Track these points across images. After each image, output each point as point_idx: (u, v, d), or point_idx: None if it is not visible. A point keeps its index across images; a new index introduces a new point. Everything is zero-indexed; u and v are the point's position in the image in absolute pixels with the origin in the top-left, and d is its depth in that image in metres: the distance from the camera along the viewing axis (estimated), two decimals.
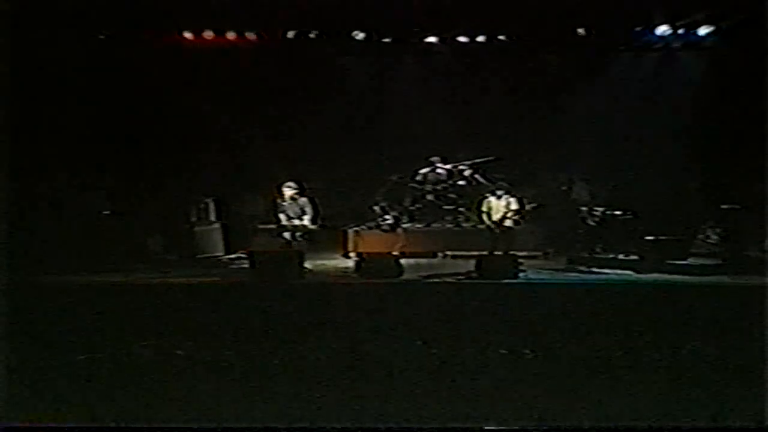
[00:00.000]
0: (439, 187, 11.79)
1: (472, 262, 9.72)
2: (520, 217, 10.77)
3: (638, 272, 9.85)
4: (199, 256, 11.00)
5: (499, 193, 10.85)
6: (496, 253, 10.14)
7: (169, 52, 12.20)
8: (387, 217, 11.35)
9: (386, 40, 12.27)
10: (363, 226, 11.51)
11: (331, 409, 4.77)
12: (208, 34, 12.03)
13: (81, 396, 4.96)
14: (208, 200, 11.44)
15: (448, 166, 11.91)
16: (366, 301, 8.28)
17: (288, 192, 10.79)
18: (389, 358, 5.83)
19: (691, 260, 10.14)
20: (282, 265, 9.46)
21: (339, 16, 11.71)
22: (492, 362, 5.71)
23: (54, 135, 11.36)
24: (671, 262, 9.90)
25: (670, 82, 12.40)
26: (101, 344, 6.17)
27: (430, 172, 11.96)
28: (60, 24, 10.96)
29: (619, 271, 10.00)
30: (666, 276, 9.58)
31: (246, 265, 10.00)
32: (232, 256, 11.28)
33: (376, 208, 11.49)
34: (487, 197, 10.94)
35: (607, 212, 10.81)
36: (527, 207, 10.87)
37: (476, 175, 11.72)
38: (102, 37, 11.88)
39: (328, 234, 11.07)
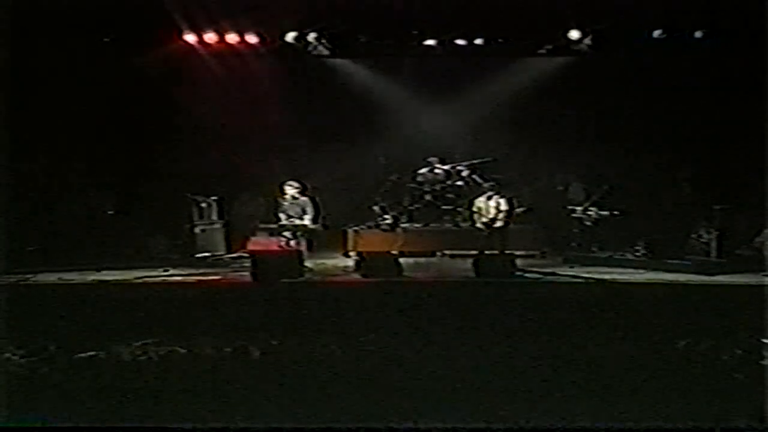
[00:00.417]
0: (437, 188, 11.76)
1: (470, 261, 9.69)
2: (511, 218, 10.85)
3: (633, 271, 9.82)
4: (200, 255, 10.96)
5: (489, 194, 10.95)
6: (488, 252, 10.09)
7: (172, 54, 12.16)
8: (386, 216, 11.32)
9: (386, 42, 12.24)
10: (363, 226, 11.47)
11: (330, 407, 4.71)
12: (210, 37, 12.00)
13: (82, 395, 4.90)
14: (210, 200, 11.40)
15: (446, 167, 11.88)
16: (365, 299, 8.24)
17: (290, 191, 10.80)
18: (388, 357, 5.77)
19: (684, 259, 10.11)
20: (282, 264, 9.42)
21: (339, 19, 11.70)
22: (490, 361, 5.65)
23: (59, 136, 11.33)
24: (665, 260, 9.88)
25: (664, 85, 12.36)
26: (104, 342, 6.11)
27: (428, 172, 11.94)
28: (66, 28, 10.94)
29: (614, 270, 9.97)
30: (660, 274, 9.55)
31: (247, 264, 9.95)
32: (234, 255, 11.24)
33: (375, 208, 11.45)
34: (476, 198, 11.07)
35: (603, 212, 10.83)
36: (518, 210, 10.91)
37: (474, 176, 11.69)
38: (106, 40, 11.86)
39: (329, 233, 11.05)
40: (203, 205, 11.31)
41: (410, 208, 11.79)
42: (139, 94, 12.01)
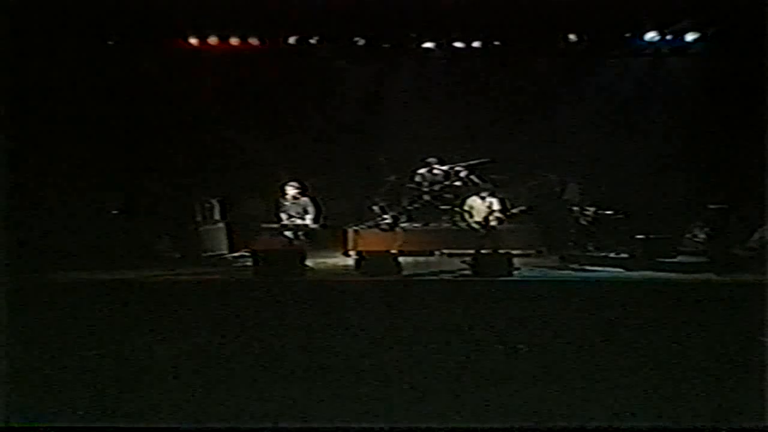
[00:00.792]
0: (435, 188, 11.73)
1: (468, 259, 9.68)
2: (505, 217, 10.92)
3: (629, 270, 9.80)
4: (204, 254, 10.96)
5: (483, 194, 11.00)
6: (484, 251, 10.06)
7: (175, 57, 12.17)
8: (386, 216, 11.31)
9: (385, 45, 12.23)
10: (362, 226, 11.46)
11: (330, 406, 4.69)
12: (213, 40, 12.01)
13: (87, 394, 4.88)
14: (213, 201, 11.40)
15: (444, 168, 11.86)
16: (365, 297, 8.23)
17: (291, 192, 10.82)
18: (388, 355, 5.76)
19: (679, 258, 10.10)
20: (284, 263, 9.41)
21: (339, 22, 11.70)
22: (489, 359, 5.63)
23: (66, 138, 11.33)
24: (660, 259, 9.87)
25: (658, 87, 12.35)
26: (109, 341, 6.10)
27: (427, 172, 11.92)
28: (73, 31, 10.95)
29: (610, 269, 9.95)
30: (655, 273, 9.53)
31: (249, 263, 9.94)
32: (236, 254, 11.23)
33: (375, 207, 11.45)
34: (469, 198, 11.12)
35: (599, 212, 10.82)
36: (516, 210, 10.95)
37: (472, 176, 11.68)
38: (111, 43, 11.87)
39: (329, 233, 11.04)
40: (207, 205, 11.32)
41: (409, 208, 11.76)
42: (144, 97, 12.00)
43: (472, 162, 11.74)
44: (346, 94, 12.78)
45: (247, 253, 10.61)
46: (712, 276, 9.26)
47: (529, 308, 7.44)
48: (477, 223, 10.95)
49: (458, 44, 12.20)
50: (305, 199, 10.85)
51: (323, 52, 12.25)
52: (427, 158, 11.93)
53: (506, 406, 4.63)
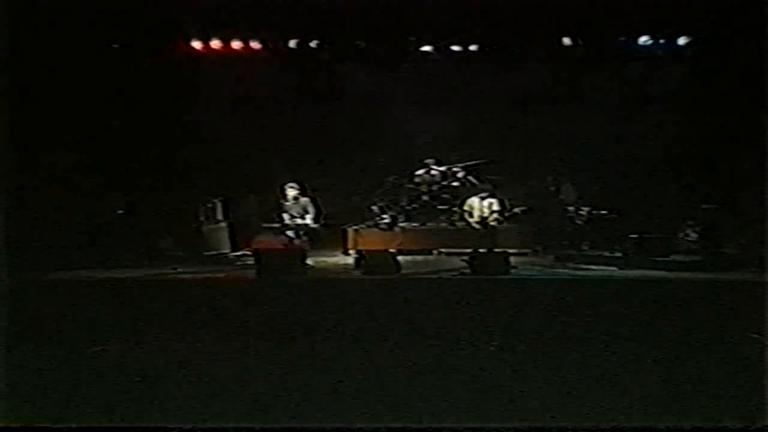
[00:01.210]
0: (433, 188, 11.73)
1: (466, 258, 9.67)
2: (504, 217, 11.03)
3: (623, 268, 9.79)
4: (207, 253, 10.94)
5: (482, 194, 11.06)
6: (482, 250, 10.06)
7: (179, 60, 12.15)
8: (385, 216, 11.30)
9: (384, 48, 12.23)
10: (362, 225, 11.44)
11: (329, 404, 4.65)
12: (216, 44, 12.01)
13: (91, 392, 4.84)
14: (216, 201, 11.39)
15: (442, 168, 11.85)
16: (365, 295, 8.21)
17: (291, 192, 10.83)
18: (387, 352, 5.75)
19: (672, 257, 10.09)
20: (285, 262, 9.39)
21: (340, 26, 11.70)
22: (487, 357, 5.62)
23: (73, 140, 11.32)
24: (654, 258, 9.86)
25: (651, 90, 12.35)
26: (112, 339, 6.07)
27: (425, 173, 11.91)
28: (80, 34, 10.95)
29: (604, 267, 9.94)
30: (649, 272, 9.52)
31: (251, 262, 9.93)
32: (238, 253, 11.22)
33: (374, 207, 11.44)
34: (469, 198, 11.17)
35: (593, 212, 10.84)
36: (517, 210, 11.00)
37: (469, 177, 11.68)
38: (116, 46, 11.86)
39: (329, 232, 11.03)
40: (209, 205, 11.30)
41: (408, 207, 11.75)
42: (149, 99, 11.98)
43: (469, 163, 11.75)
44: (345, 96, 12.76)
45: (249, 252, 10.59)
46: (704, 274, 9.25)
47: (525, 306, 7.43)
48: (477, 222, 10.99)
49: (456, 48, 12.19)
50: (305, 199, 10.86)
51: (323, 56, 12.23)
52: (425, 159, 11.93)
53: (503, 404, 4.60)
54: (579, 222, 10.95)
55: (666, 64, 12.29)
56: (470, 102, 12.63)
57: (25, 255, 8.95)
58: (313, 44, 12.01)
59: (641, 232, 10.16)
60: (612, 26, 11.66)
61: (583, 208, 10.96)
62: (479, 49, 12.16)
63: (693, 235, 10.47)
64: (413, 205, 11.75)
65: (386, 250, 10.17)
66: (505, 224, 11.17)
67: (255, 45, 12.06)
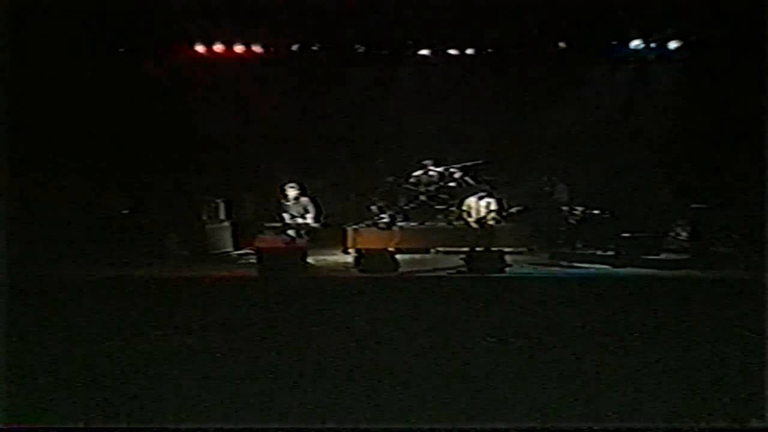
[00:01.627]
0: (431, 188, 11.74)
1: (461, 257, 9.70)
2: (501, 217, 11.10)
3: (615, 266, 9.83)
4: (210, 252, 10.96)
5: (481, 194, 11.09)
6: (478, 249, 10.08)
7: (183, 63, 12.17)
8: (383, 215, 11.31)
9: (383, 52, 12.25)
10: (361, 225, 11.46)
11: (329, 402, 4.62)
12: (219, 48, 12.03)
13: (89, 393, 4.79)
14: (219, 201, 11.41)
15: (439, 169, 11.86)
16: (364, 292, 8.24)
17: (292, 192, 10.85)
18: (385, 349, 5.75)
19: (663, 255, 10.13)
20: (286, 260, 9.42)
21: (340, 30, 11.72)
22: (485, 356, 5.61)
23: (81, 142, 11.33)
24: (645, 257, 9.90)
25: (643, 92, 12.38)
26: (115, 337, 6.06)
27: (423, 174, 11.93)
28: (88, 38, 11.02)
29: (597, 266, 9.97)
30: (640, 270, 9.56)
31: (253, 260, 9.95)
32: (241, 252, 11.24)
33: (373, 207, 11.44)
34: (467, 198, 11.22)
35: (587, 211, 10.87)
36: (513, 209, 11.04)
37: (466, 177, 11.70)
38: (122, 50, 11.88)
39: (329, 231, 11.06)
40: (212, 205, 11.32)
41: (406, 207, 11.76)
42: (153, 102, 12.00)
43: (466, 163, 11.77)
44: (345, 99, 12.78)
45: (251, 251, 10.61)
46: (694, 272, 9.29)
47: (520, 303, 7.45)
48: (474, 221, 11.04)
49: (453, 51, 12.21)
50: (306, 199, 10.89)
51: (324, 59, 12.25)
52: (423, 160, 11.94)
53: (501, 402, 4.57)
54: (573, 221, 10.99)
55: (657, 68, 12.33)
56: (467, 104, 12.65)
57: (31, 253, 9.00)
58: (314, 48, 12.00)
59: (633, 231, 10.19)
60: (605, 30, 11.69)
61: (576, 208, 10.99)
62: (476, 52, 12.18)
63: (683, 234, 10.51)
64: (411, 205, 11.77)
65: (385, 249, 10.20)
66: (502, 223, 11.19)
67: (257, 49, 12.07)
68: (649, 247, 10.11)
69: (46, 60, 10.50)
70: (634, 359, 5.45)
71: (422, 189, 11.75)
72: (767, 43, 8.09)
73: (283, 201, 10.90)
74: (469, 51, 12.18)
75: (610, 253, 10.15)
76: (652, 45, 11.93)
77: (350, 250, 11.01)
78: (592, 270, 9.77)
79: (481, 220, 11.12)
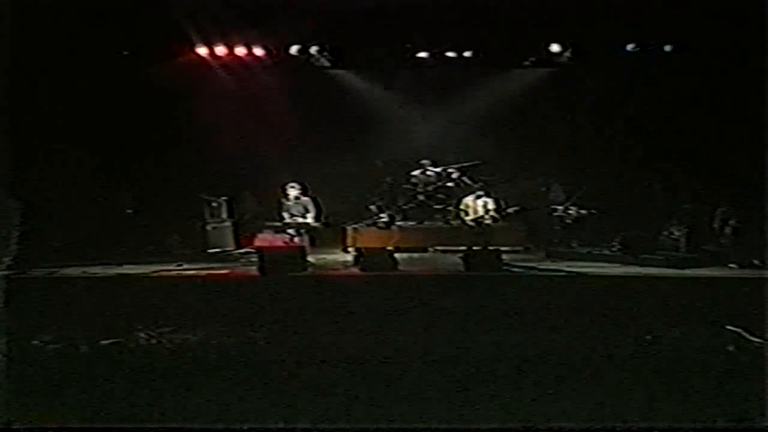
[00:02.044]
0: (429, 188, 11.74)
1: (459, 256, 9.67)
2: (500, 215, 11.10)
3: (610, 264, 9.81)
4: (212, 250, 10.93)
5: (478, 194, 11.10)
6: (476, 248, 10.05)
7: (186, 65, 12.14)
8: (382, 215, 11.29)
9: (382, 54, 12.23)
10: (361, 224, 11.43)
11: (328, 401, 4.57)
12: (221, 50, 12.01)
13: (89, 392, 4.74)
14: (220, 200, 11.38)
15: (437, 169, 11.85)
16: (363, 291, 8.22)
17: (292, 192, 10.83)
18: (385, 347, 5.72)
19: (657, 254, 10.10)
20: (287, 259, 9.38)
21: (339, 33, 11.70)
22: (484, 354, 5.56)
23: (88, 143, 11.32)
24: (639, 255, 9.87)
25: (637, 94, 12.35)
26: (118, 334, 6.02)
27: (421, 174, 11.91)
28: (94, 44, 11.02)
29: (592, 264, 9.94)
30: (634, 268, 9.53)
31: (254, 259, 9.92)
32: (242, 250, 11.21)
33: (372, 207, 11.44)
34: (465, 197, 11.22)
35: (581, 211, 10.85)
36: (510, 209, 11.03)
37: (463, 178, 11.68)
38: (126, 53, 11.87)
39: (329, 231, 11.04)
40: (214, 204, 11.29)
41: (404, 207, 11.75)
42: (157, 103, 11.97)
43: (463, 164, 11.75)
44: (345, 101, 12.75)
45: (252, 250, 10.58)
46: (687, 271, 9.26)
47: (516, 301, 7.42)
48: (472, 221, 11.04)
49: (450, 54, 12.19)
50: (306, 199, 10.86)
51: (324, 62, 12.21)
52: (421, 161, 11.93)
53: (498, 401, 4.52)
54: (568, 221, 10.96)
55: (651, 70, 12.29)
56: (464, 106, 12.63)
57: (36, 252, 8.97)
58: (313, 50, 11.97)
59: (627, 230, 10.17)
60: (600, 33, 11.67)
61: (571, 207, 10.96)
62: (473, 55, 12.15)
63: (677, 233, 10.48)
64: (410, 205, 11.76)
65: (384, 248, 10.17)
66: (499, 223, 11.16)
67: (258, 51, 12.04)
68: (643, 245, 10.08)
69: (51, 61, 10.50)
70: (631, 357, 5.41)
71: (420, 189, 11.74)
72: (765, 42, 8.03)
73: (283, 200, 10.88)
74: (467, 54, 12.15)
75: (605, 252, 10.12)
76: (648, 47, 11.91)
77: (350, 249, 10.99)
78: (587, 268, 9.73)
79: (478, 220, 11.15)
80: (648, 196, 11.84)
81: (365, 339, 5.93)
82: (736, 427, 4.18)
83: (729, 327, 5.92)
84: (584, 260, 10.10)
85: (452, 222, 11.41)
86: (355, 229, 11.32)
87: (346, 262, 10.21)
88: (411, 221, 11.64)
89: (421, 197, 11.68)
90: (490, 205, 11.25)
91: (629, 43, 11.77)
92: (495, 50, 12.03)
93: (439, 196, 11.69)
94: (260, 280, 9.01)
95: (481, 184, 11.49)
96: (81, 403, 4.50)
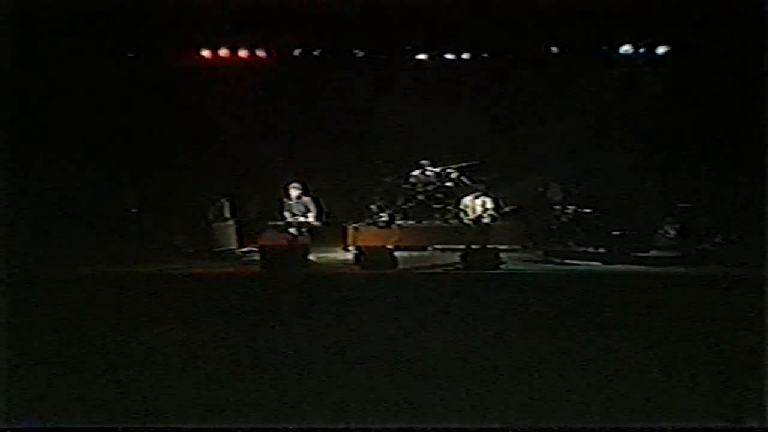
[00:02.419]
0: (428, 188, 11.72)
1: (458, 254, 9.66)
2: (499, 215, 11.05)
3: (606, 263, 9.79)
4: (215, 249, 10.92)
5: (476, 194, 11.08)
6: (474, 246, 10.03)
7: (189, 67, 12.13)
8: (382, 214, 11.28)
9: (382, 57, 12.21)
10: (361, 223, 11.42)
11: (328, 400, 4.55)
12: (224, 52, 12.01)
13: (89, 392, 4.71)
14: (224, 200, 11.37)
15: (436, 169, 11.83)
16: (363, 289, 8.21)
17: (294, 192, 10.82)
18: (385, 345, 5.70)
19: (652, 252, 10.09)
20: (288, 257, 9.37)
21: (340, 36, 11.69)
22: (481, 350, 5.55)
23: (91, 144, 11.31)
24: (635, 254, 9.86)
25: (631, 95, 12.34)
26: (120, 333, 6.00)
27: (420, 174, 11.90)
28: (99, 46, 11.05)
29: (589, 263, 9.94)
30: (630, 267, 9.52)
31: (257, 257, 9.90)
32: (245, 249, 11.20)
33: (372, 206, 11.42)
34: (464, 197, 11.21)
35: (578, 210, 10.84)
36: (507, 209, 11.02)
37: (462, 178, 11.66)
38: (131, 55, 11.86)
39: (330, 230, 11.03)
40: (218, 204, 11.29)
41: (404, 206, 11.73)
42: (161, 104, 11.97)
43: (462, 164, 11.73)
44: (345, 102, 12.74)
45: (254, 249, 10.57)
46: (682, 269, 9.25)
47: (514, 299, 7.41)
48: (471, 220, 11.02)
49: (449, 56, 12.18)
50: (307, 198, 10.85)
51: (325, 63, 12.20)
52: (420, 161, 11.91)
53: (498, 399, 4.50)
54: (565, 220, 10.96)
55: (646, 71, 12.28)
56: (463, 106, 12.61)
57: (40, 251, 8.96)
58: (316, 53, 11.96)
59: (623, 229, 10.15)
60: (596, 35, 11.66)
61: (568, 206, 10.96)
62: (471, 57, 12.15)
63: (671, 232, 10.47)
64: (409, 204, 11.73)
65: (384, 247, 10.16)
66: (498, 222, 11.15)
67: (260, 53, 12.05)
68: (638, 244, 10.07)
69: (55, 61, 10.50)
70: (629, 356, 5.39)
71: (420, 189, 11.72)
72: (765, 41, 7.99)
73: (285, 200, 10.86)
74: (465, 55, 12.14)
75: (601, 250, 10.11)
76: (641, 50, 11.91)
77: (350, 248, 10.98)
78: (583, 267, 9.72)
79: (477, 219, 11.13)
80: (643, 195, 11.82)
81: (365, 337, 5.91)
82: (735, 427, 4.14)
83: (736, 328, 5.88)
84: (581, 259, 10.07)
85: (451, 221, 11.40)
86: (355, 228, 11.31)
87: (347, 260, 10.20)
88: (411, 220, 11.63)
89: (420, 197, 11.66)
90: (489, 205, 11.23)
91: (623, 45, 11.76)
92: (493, 52, 12.02)
93: (439, 195, 11.67)
94: (262, 278, 9.01)
95: (479, 184, 11.47)
96: (82, 403, 4.47)
